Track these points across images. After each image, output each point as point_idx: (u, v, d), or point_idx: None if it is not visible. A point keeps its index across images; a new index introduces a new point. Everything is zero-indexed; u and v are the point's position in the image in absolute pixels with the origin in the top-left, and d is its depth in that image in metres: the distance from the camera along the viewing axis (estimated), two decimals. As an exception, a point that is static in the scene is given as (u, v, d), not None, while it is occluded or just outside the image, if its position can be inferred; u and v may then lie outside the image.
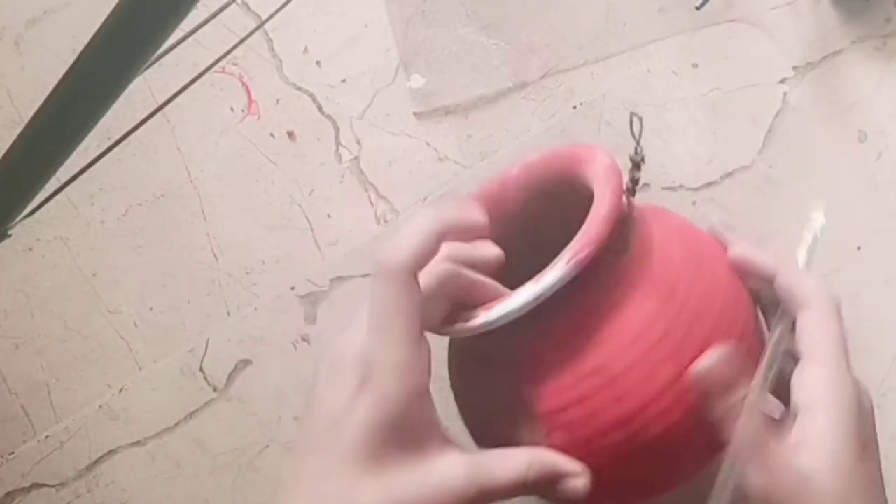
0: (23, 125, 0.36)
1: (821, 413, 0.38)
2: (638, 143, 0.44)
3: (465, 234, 0.44)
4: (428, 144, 0.61)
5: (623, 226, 0.44)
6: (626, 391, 0.42)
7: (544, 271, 0.41)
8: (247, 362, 0.62)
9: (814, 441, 0.38)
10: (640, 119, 0.44)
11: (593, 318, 0.43)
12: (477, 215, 0.44)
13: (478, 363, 0.47)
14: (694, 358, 0.42)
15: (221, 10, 0.43)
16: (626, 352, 0.42)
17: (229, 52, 0.45)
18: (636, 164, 0.45)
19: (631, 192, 0.45)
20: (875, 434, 0.41)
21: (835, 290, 0.43)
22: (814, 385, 0.39)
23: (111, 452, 0.63)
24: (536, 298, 0.41)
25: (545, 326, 0.44)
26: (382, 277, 0.39)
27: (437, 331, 0.44)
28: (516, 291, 0.42)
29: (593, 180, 0.45)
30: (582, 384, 0.43)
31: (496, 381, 0.45)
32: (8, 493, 0.64)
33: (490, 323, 0.42)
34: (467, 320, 0.42)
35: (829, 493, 0.37)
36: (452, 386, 0.48)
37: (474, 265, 0.44)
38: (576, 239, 0.42)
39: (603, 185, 0.44)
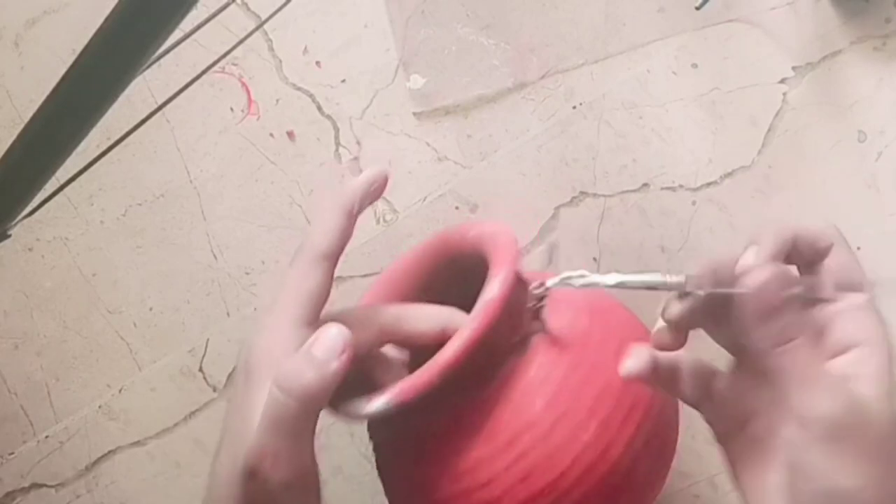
0: (23, 125, 0.36)
1: (878, 350, 0.39)
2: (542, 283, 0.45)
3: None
4: (428, 144, 0.61)
5: (492, 358, 0.44)
6: None
7: (377, 395, 0.42)
8: (246, 362, 0.62)
9: (872, 375, 0.38)
10: (555, 247, 0.44)
11: (432, 438, 0.45)
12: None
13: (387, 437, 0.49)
14: None
15: (221, 10, 0.43)
16: (451, 483, 0.43)
17: (229, 52, 0.45)
18: (539, 298, 0.45)
19: (535, 316, 0.45)
20: None
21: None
22: (867, 322, 0.39)
23: (111, 452, 0.63)
24: (367, 417, 0.43)
25: (399, 430, 0.46)
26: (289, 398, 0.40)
27: (330, 408, 0.46)
28: (374, 399, 0.43)
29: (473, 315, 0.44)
30: (411, 494, 0.45)
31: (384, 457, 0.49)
32: (8, 493, 0.64)
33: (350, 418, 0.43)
34: (349, 404, 0.44)
35: (886, 423, 0.37)
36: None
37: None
38: (409, 378, 0.42)
39: (466, 328, 0.43)
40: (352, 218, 0.44)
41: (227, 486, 0.42)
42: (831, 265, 0.40)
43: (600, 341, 0.45)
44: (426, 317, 0.46)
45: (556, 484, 0.42)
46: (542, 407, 0.43)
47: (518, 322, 0.45)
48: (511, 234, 0.47)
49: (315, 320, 0.43)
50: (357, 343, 0.44)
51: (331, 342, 0.40)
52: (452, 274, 0.51)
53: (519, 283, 0.45)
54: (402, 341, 0.46)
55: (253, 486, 0.40)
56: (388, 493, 0.48)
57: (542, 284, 0.45)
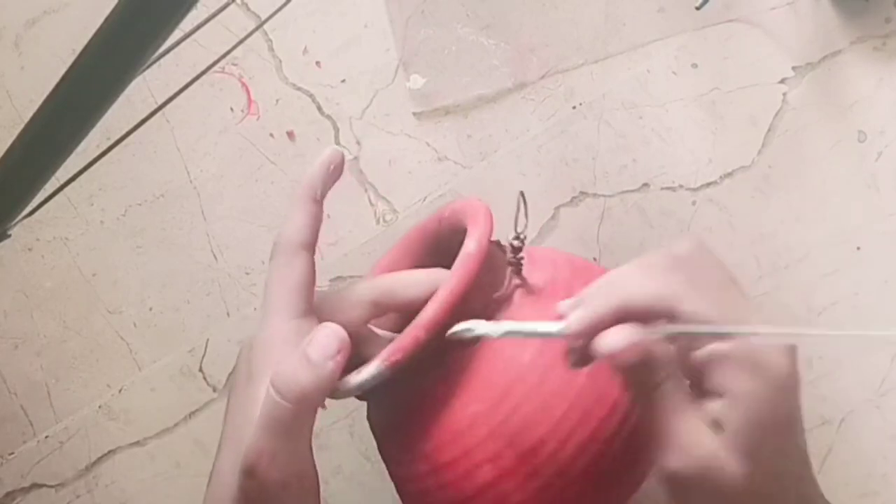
0: (23, 125, 0.36)
1: (741, 403, 0.37)
2: (515, 226, 0.45)
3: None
4: (427, 144, 0.61)
5: (477, 315, 0.44)
6: (448, 482, 0.43)
7: (367, 366, 0.42)
8: (246, 362, 0.62)
9: (732, 431, 0.37)
10: (524, 196, 0.45)
11: (426, 402, 0.45)
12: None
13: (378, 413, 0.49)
14: (516, 464, 0.42)
15: (221, 10, 0.43)
16: (450, 445, 0.43)
17: (229, 52, 0.44)
18: (516, 249, 0.46)
19: (515, 270, 0.46)
20: (797, 405, 0.39)
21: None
22: (733, 372, 0.38)
23: (111, 453, 0.63)
24: (359, 387, 0.42)
25: (393, 401, 0.46)
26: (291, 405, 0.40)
27: None
28: (364, 368, 0.42)
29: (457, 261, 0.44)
30: (414, 465, 0.45)
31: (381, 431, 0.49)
32: (8, 493, 0.64)
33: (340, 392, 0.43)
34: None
35: (737, 483, 0.37)
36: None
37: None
38: (395, 341, 0.42)
39: (446, 284, 0.43)
40: (318, 203, 0.44)
41: (227, 484, 0.42)
42: (687, 314, 0.38)
43: None
44: (416, 282, 0.46)
45: (556, 431, 0.42)
46: (532, 356, 0.43)
47: (498, 277, 0.45)
48: (481, 201, 0.48)
49: (308, 310, 0.43)
50: (351, 321, 0.44)
51: (326, 343, 0.40)
52: (440, 258, 0.51)
53: (494, 241, 0.46)
54: (397, 309, 0.46)
55: (250, 485, 0.40)
56: (391, 470, 0.48)
57: (517, 237, 0.46)
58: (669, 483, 0.38)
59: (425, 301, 0.44)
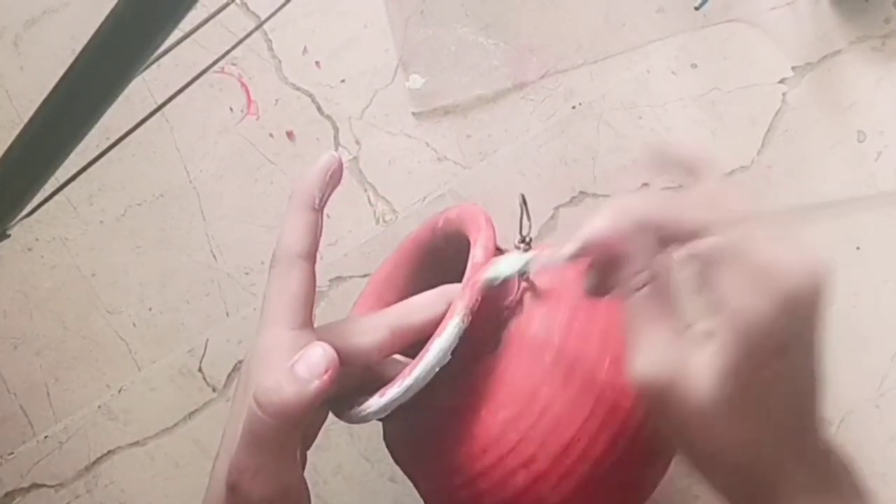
0: (23, 125, 0.36)
1: (740, 319, 0.34)
2: (520, 229, 0.46)
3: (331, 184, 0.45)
4: (427, 145, 0.61)
5: (490, 324, 0.44)
6: (483, 492, 0.43)
7: (391, 385, 0.42)
8: (246, 362, 0.62)
9: (721, 346, 0.34)
10: (525, 199, 0.46)
11: (452, 416, 0.44)
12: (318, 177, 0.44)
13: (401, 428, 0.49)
14: (550, 466, 0.42)
15: (221, 10, 0.43)
16: (483, 454, 0.43)
17: (228, 52, 0.45)
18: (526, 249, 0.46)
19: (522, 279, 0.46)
20: (810, 339, 0.36)
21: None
22: (741, 280, 0.34)
23: (110, 453, 0.63)
24: (386, 408, 0.42)
25: (417, 419, 0.45)
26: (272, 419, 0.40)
27: (336, 414, 0.45)
28: (386, 390, 0.42)
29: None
30: (446, 479, 0.45)
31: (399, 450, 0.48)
32: (7, 494, 0.64)
33: (361, 417, 0.43)
34: (361, 405, 0.43)
35: (701, 399, 0.36)
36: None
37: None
38: (416, 359, 0.42)
39: (460, 296, 0.43)
40: (316, 212, 0.44)
41: (218, 496, 0.41)
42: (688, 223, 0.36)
43: None
44: (429, 302, 0.45)
45: (586, 428, 0.42)
46: (553, 358, 0.43)
47: (506, 283, 0.45)
48: (478, 207, 0.47)
49: (307, 321, 0.43)
50: (369, 348, 0.44)
51: (315, 361, 0.40)
52: (435, 269, 0.51)
53: (498, 247, 0.46)
54: (415, 335, 0.45)
55: (234, 500, 0.40)
56: (420, 486, 0.48)
57: (523, 240, 0.46)
58: (640, 388, 0.37)
59: (441, 319, 0.43)
